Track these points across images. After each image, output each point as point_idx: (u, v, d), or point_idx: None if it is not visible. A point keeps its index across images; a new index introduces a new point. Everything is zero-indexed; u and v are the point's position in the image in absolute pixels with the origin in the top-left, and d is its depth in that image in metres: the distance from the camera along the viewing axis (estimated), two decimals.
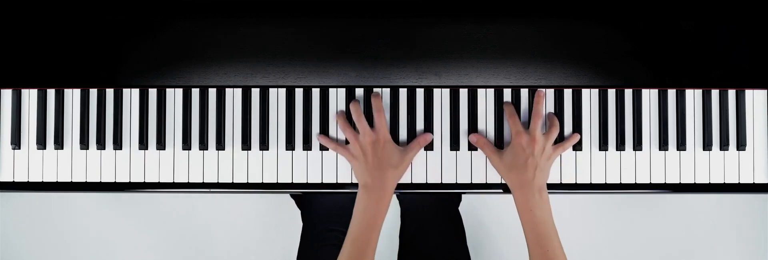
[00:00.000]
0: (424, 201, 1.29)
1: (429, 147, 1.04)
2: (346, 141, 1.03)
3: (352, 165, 1.00)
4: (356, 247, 0.94)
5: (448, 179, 1.04)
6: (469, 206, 1.66)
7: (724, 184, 1.04)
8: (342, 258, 0.94)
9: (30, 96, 1.06)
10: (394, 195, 1.04)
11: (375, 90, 1.03)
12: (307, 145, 1.04)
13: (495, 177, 1.04)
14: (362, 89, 1.05)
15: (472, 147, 1.04)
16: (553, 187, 1.04)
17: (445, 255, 1.22)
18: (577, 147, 1.04)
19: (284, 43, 1.04)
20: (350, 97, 1.04)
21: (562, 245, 0.95)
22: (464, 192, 1.06)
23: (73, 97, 1.05)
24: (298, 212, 1.37)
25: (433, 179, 1.04)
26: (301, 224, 1.32)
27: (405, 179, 1.04)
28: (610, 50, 1.03)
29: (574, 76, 1.04)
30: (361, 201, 0.97)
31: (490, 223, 1.70)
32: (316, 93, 1.05)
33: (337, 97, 1.05)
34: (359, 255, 0.93)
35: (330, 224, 1.23)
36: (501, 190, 1.04)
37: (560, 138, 1.03)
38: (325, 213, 1.25)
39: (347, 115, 1.03)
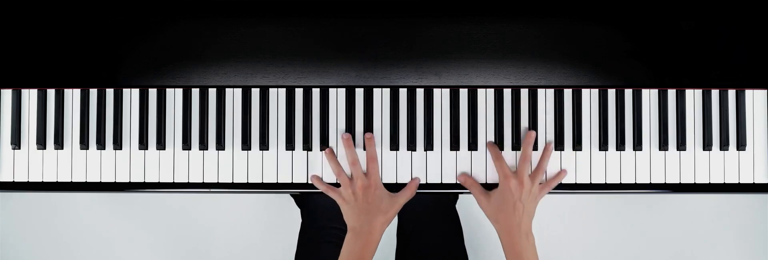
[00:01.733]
0: (421, 200, 1.29)
1: (429, 147, 1.04)
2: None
3: (342, 209, 1.01)
4: None
5: (449, 179, 1.04)
6: (466, 204, 1.66)
7: (724, 184, 1.04)
8: None
9: (30, 96, 1.06)
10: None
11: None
12: (307, 145, 1.04)
13: (494, 177, 1.04)
14: (362, 89, 1.05)
15: (471, 148, 1.04)
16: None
17: (442, 253, 1.22)
18: (577, 147, 1.04)
19: (284, 43, 1.04)
20: (350, 97, 1.04)
21: None
22: (464, 193, 1.05)
23: (73, 97, 1.05)
24: (298, 212, 1.38)
25: (433, 179, 1.04)
26: (300, 224, 1.32)
27: (405, 179, 1.04)
28: (610, 50, 1.03)
29: (574, 76, 1.04)
30: (348, 244, 0.99)
31: (488, 222, 1.70)
32: (316, 93, 1.05)
33: (337, 97, 1.05)
34: None
35: (329, 221, 1.23)
36: None
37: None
38: (324, 210, 1.25)
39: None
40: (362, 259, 0.97)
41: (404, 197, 1.02)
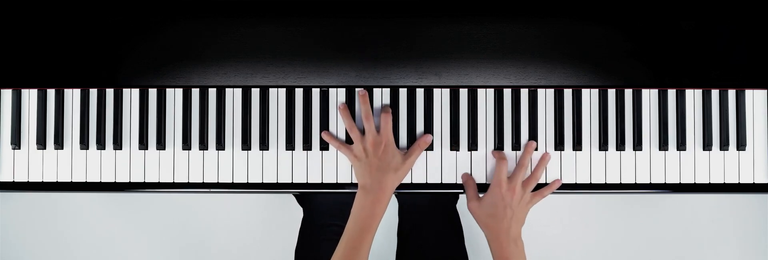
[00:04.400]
0: (421, 199, 1.29)
1: (429, 147, 1.04)
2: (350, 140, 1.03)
3: (354, 166, 1.01)
4: (350, 247, 0.95)
5: (448, 179, 1.04)
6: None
7: (724, 184, 1.04)
8: (336, 257, 0.95)
9: (30, 96, 1.06)
10: (393, 194, 1.05)
11: (376, 90, 1.03)
12: (307, 145, 1.04)
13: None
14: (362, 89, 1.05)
15: (471, 148, 1.04)
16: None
17: (442, 252, 1.22)
18: (577, 147, 1.04)
19: (284, 43, 1.04)
20: (350, 97, 1.04)
21: None
22: (464, 193, 1.05)
23: (73, 97, 1.05)
24: (298, 211, 1.38)
25: (433, 179, 1.04)
26: (300, 224, 1.32)
27: (405, 179, 1.04)
28: (610, 50, 1.03)
29: (574, 76, 1.04)
30: (358, 201, 0.98)
31: None
32: (316, 93, 1.05)
33: (337, 97, 1.05)
34: (352, 255, 0.95)
35: (330, 218, 1.23)
36: None
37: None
38: (325, 208, 1.26)
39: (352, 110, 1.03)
40: (374, 215, 0.97)
41: (415, 155, 1.01)
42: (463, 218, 1.33)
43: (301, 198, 1.40)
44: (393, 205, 1.44)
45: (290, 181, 1.04)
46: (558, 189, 1.03)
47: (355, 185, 1.03)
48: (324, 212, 1.25)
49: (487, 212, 0.99)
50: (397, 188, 1.04)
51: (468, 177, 1.03)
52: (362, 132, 1.02)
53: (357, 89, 1.03)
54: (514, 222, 0.98)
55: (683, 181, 1.04)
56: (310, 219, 1.28)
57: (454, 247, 1.24)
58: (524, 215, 1.00)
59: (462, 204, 1.39)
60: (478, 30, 1.03)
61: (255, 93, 1.05)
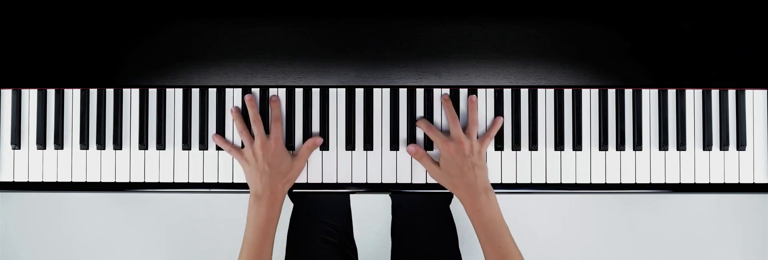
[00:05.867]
0: (415, 199, 1.29)
1: (429, 147, 1.04)
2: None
3: (244, 170, 1.01)
4: (252, 255, 0.96)
5: None
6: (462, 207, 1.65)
7: (724, 184, 1.04)
8: None
9: (30, 96, 1.06)
10: (388, 195, 1.05)
11: (376, 90, 1.03)
12: None
13: (494, 177, 1.04)
14: (362, 89, 1.05)
15: None
16: (554, 187, 1.04)
17: (435, 251, 1.22)
18: (577, 147, 1.04)
19: (284, 43, 1.04)
20: (350, 97, 1.04)
21: (514, 240, 0.95)
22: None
23: (73, 97, 1.05)
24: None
25: (432, 179, 1.04)
26: (290, 216, 1.32)
27: (405, 179, 1.04)
28: (610, 50, 1.03)
29: (574, 76, 1.04)
30: (252, 209, 0.98)
31: None
32: (316, 93, 1.05)
33: (337, 97, 1.05)
34: None
35: (318, 216, 1.24)
36: (501, 190, 1.04)
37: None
38: (315, 205, 1.26)
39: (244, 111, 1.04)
40: (270, 220, 0.97)
41: (303, 157, 1.01)
42: (457, 218, 1.33)
43: (293, 196, 1.40)
44: (387, 205, 1.44)
45: None
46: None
47: (354, 185, 1.03)
48: (313, 209, 1.26)
49: (448, 172, 0.98)
50: (397, 188, 1.04)
51: (416, 147, 1.02)
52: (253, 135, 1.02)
53: (271, 96, 1.03)
54: (477, 171, 0.97)
55: (683, 181, 1.04)
56: (300, 215, 1.29)
57: (447, 247, 1.24)
58: (483, 162, 0.99)
59: (455, 204, 1.39)
60: (478, 30, 1.03)
61: (255, 93, 1.05)
